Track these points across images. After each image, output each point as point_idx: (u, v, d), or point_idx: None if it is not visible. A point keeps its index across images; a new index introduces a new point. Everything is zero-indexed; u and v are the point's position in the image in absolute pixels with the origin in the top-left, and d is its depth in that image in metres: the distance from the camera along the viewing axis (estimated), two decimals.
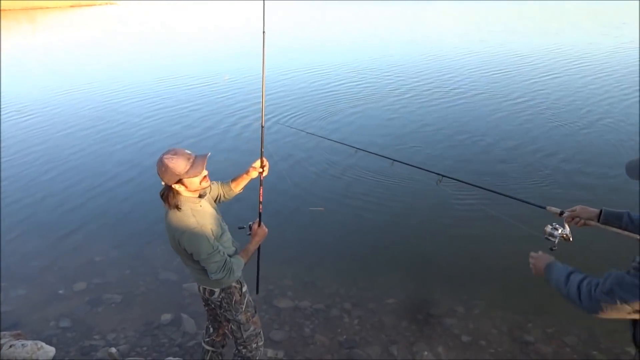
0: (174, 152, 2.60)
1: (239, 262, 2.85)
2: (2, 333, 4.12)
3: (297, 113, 10.52)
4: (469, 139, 8.65)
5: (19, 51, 25.69)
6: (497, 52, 17.33)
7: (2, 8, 67.65)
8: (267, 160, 3.14)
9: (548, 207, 2.79)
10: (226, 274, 2.74)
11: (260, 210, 3.20)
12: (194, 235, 2.62)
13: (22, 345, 3.62)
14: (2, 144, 9.51)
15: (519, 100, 11.06)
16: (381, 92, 12.03)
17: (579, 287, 2.04)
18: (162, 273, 5.23)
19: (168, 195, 2.65)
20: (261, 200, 3.22)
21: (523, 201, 2.98)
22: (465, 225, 5.66)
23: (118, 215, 6.56)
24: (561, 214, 2.68)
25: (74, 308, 4.70)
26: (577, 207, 2.63)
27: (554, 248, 2.52)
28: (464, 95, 11.63)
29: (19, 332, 4.19)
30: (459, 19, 27.50)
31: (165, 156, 2.59)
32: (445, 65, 15.44)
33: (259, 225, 3.06)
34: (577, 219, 2.60)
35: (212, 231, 2.70)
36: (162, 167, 2.58)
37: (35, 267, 5.39)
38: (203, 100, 12.22)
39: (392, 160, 3.94)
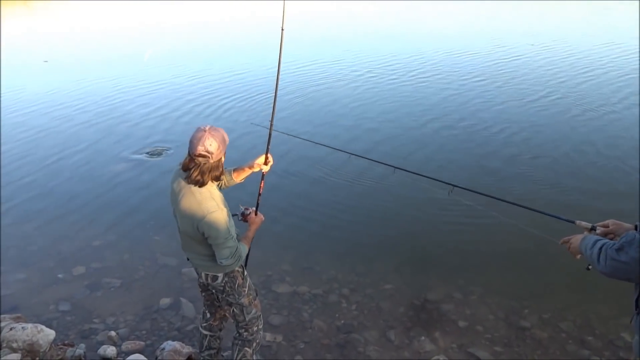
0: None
1: (244, 249, 2.90)
2: (2, 316, 4.14)
3: (291, 115, 9.71)
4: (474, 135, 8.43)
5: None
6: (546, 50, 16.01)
7: None
8: (272, 157, 3.16)
9: (578, 222, 2.52)
10: (235, 260, 2.77)
11: (259, 202, 3.24)
12: (216, 218, 2.62)
13: (22, 328, 3.64)
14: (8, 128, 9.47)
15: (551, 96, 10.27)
16: (388, 93, 11.18)
17: (600, 249, 2.07)
18: (161, 258, 5.25)
19: (209, 169, 2.63)
20: (260, 192, 3.26)
21: (552, 215, 2.74)
22: (462, 215, 5.63)
23: (117, 199, 6.57)
24: (592, 229, 2.45)
25: (73, 292, 4.73)
26: (609, 222, 2.41)
27: (589, 268, 2.28)
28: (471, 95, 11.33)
29: (19, 315, 4.21)
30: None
31: (218, 129, 2.62)
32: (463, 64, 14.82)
33: (256, 213, 3.09)
34: (611, 236, 2.35)
35: (228, 216, 2.72)
36: (220, 138, 2.60)
37: (34, 251, 5.41)
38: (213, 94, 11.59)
39: (394, 168, 3.89)
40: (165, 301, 4.58)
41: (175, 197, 2.75)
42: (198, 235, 2.71)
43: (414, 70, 12.94)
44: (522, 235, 4.37)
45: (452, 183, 3.30)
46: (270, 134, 3.17)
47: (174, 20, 27.56)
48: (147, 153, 8.00)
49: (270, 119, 3.22)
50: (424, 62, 13.82)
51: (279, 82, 3.21)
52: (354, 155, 4.35)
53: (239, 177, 3.13)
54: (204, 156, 2.59)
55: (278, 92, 3.29)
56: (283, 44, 3.13)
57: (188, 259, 3.04)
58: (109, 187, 6.94)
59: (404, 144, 8.05)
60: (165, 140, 8.54)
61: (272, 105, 3.28)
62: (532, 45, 15.36)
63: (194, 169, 2.62)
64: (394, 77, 12.33)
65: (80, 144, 8.59)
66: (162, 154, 7.96)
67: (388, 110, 9.73)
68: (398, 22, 23.53)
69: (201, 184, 2.65)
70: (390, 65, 13.58)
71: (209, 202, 2.65)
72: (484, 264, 5.01)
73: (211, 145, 2.58)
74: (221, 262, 2.75)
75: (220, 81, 12.51)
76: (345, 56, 15.09)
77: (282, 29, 3.13)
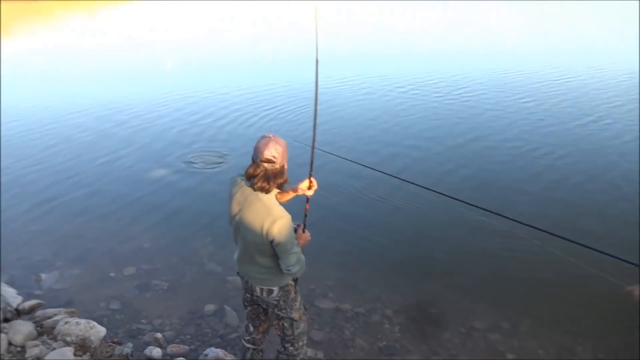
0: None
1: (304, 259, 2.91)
2: (58, 309, 4.33)
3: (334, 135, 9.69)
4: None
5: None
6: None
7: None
8: (316, 181, 3.14)
9: None
10: (300, 268, 2.80)
11: (305, 222, 3.24)
12: (285, 223, 2.66)
13: (77, 323, 3.79)
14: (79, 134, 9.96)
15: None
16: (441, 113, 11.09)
17: None
18: (207, 264, 5.35)
19: (274, 175, 2.69)
20: (306, 214, 3.25)
21: (613, 256, 2.50)
22: (507, 242, 5.43)
23: (169, 204, 6.74)
24: None
25: (123, 291, 4.88)
26: None
27: None
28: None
29: (73, 309, 4.38)
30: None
31: (278, 137, 2.70)
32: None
33: (304, 231, 3.10)
34: None
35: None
36: (283, 144, 2.70)
37: (90, 250, 5.63)
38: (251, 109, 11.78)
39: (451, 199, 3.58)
40: (209, 307, 4.65)
41: (239, 206, 2.78)
42: (264, 243, 2.72)
43: (459, 88, 12.82)
44: (570, 266, 4.19)
45: (496, 212, 3.11)
46: (312, 159, 3.14)
47: (225, 28, 28.32)
48: (194, 160, 8.19)
49: (312, 143, 3.15)
50: (471, 80, 13.68)
51: (318, 106, 3.16)
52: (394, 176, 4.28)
53: (283, 199, 3.13)
54: (270, 161, 2.65)
55: (319, 107, 3.22)
56: (318, 75, 3.10)
57: (238, 274, 3.07)
58: (159, 191, 7.15)
59: (443, 163, 7.95)
60: (211, 147, 8.73)
61: (313, 124, 3.16)
62: (589, 68, 14.88)
63: (260, 175, 2.67)
64: (438, 94, 12.25)
65: (131, 146, 8.96)
66: (211, 161, 8.14)
67: (431, 128, 9.69)
68: (446, 38, 23.29)
69: (267, 190, 2.70)
70: (435, 83, 13.51)
71: (278, 207, 2.70)
72: (532, 294, 4.84)
73: (277, 151, 2.65)
74: (288, 269, 2.76)
75: (264, 92, 12.74)
76: (390, 72, 15.09)
77: (317, 61, 3.09)
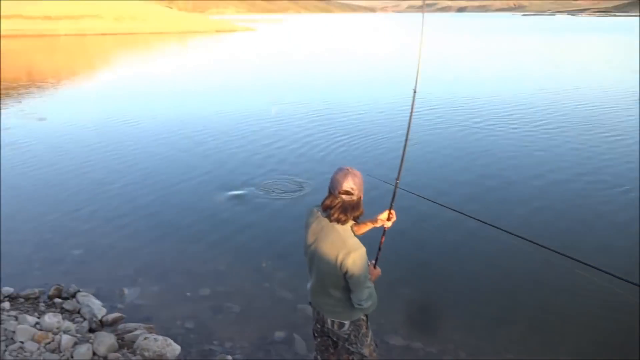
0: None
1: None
2: (138, 324, 4.54)
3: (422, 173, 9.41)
4: None
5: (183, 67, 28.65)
6: None
7: (160, 31, 76.34)
8: (395, 214, 3.12)
9: None
10: (372, 303, 2.78)
11: (378, 256, 3.21)
12: (360, 256, 2.66)
13: (155, 339, 3.95)
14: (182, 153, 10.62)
15: None
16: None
17: None
18: (279, 290, 5.41)
19: (352, 206, 2.71)
20: (380, 247, 3.22)
21: None
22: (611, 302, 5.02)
23: (245, 230, 6.90)
24: None
25: (198, 311, 5.03)
26: None
27: None
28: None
29: (151, 325, 4.58)
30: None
31: (355, 170, 2.74)
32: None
33: (375, 266, 3.07)
34: None
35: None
36: (360, 177, 2.73)
37: (169, 268, 5.89)
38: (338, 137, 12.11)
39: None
40: (279, 334, 4.68)
41: (314, 236, 2.80)
42: (338, 275, 2.71)
43: (538, 121, 12.43)
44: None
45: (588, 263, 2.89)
46: (395, 191, 3.12)
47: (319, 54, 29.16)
48: (273, 187, 8.39)
49: (397, 175, 3.13)
50: (550, 113, 13.28)
51: (409, 139, 3.13)
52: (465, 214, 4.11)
53: (359, 231, 3.11)
54: (348, 193, 2.66)
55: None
56: (414, 106, 3.10)
57: (310, 304, 3.08)
58: (236, 216, 7.37)
59: (526, 202, 7.63)
60: (288, 175, 8.92)
61: (400, 159, 3.12)
62: None
63: (337, 207, 2.69)
64: (514, 126, 11.91)
65: (206, 167, 9.40)
66: (288, 189, 8.30)
67: (506, 158, 9.51)
68: (525, 69, 22.55)
69: (344, 222, 2.71)
70: (511, 115, 13.21)
71: (353, 239, 2.70)
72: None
73: (354, 183, 2.66)
74: (360, 304, 2.74)
75: (344, 118, 12.98)
76: (464, 103, 14.87)
77: (415, 91, 3.10)
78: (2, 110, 15.92)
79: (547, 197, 7.82)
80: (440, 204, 4.04)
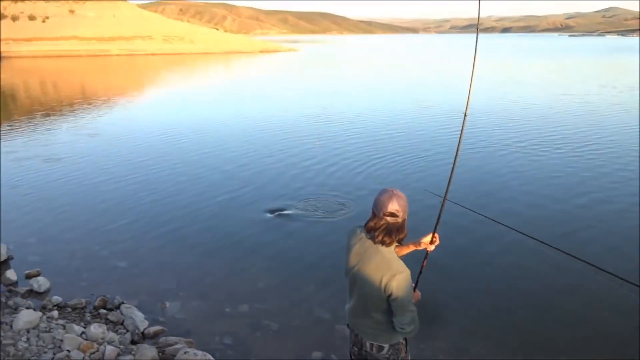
0: None
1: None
2: (178, 338, 4.62)
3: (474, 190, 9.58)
4: None
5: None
6: None
7: (207, 51, 78.77)
8: (439, 237, 3.08)
9: None
10: (414, 328, 2.74)
11: (419, 279, 3.18)
12: (405, 279, 2.64)
13: (194, 354, 4.00)
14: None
15: None
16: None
17: None
18: (317, 310, 5.39)
19: (396, 229, 2.69)
20: (422, 271, 3.19)
21: None
22: None
23: (285, 248, 6.95)
24: None
25: (236, 327, 5.06)
26: None
27: None
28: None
29: (190, 340, 4.64)
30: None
31: (399, 191, 2.71)
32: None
33: (415, 290, 3.03)
34: None
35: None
36: (405, 199, 2.70)
37: (209, 284, 5.97)
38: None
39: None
40: (316, 355, 4.64)
41: (357, 257, 2.78)
42: (381, 298, 2.69)
43: (584, 144, 12.04)
44: None
45: None
46: (440, 213, 3.09)
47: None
48: (314, 206, 8.40)
49: (443, 196, 3.12)
50: (598, 136, 12.80)
51: (457, 162, 3.12)
52: (514, 231, 4.01)
53: (400, 253, 3.08)
54: (393, 215, 2.64)
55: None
56: (464, 129, 3.10)
57: (348, 326, 3.05)
58: (277, 234, 7.41)
59: (562, 221, 7.36)
60: (335, 192, 8.94)
61: (447, 181, 3.14)
62: None
63: (382, 229, 2.67)
64: (559, 149, 11.63)
65: (250, 184, 9.49)
66: (330, 209, 8.31)
67: (549, 178, 9.19)
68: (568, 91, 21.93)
69: (388, 244, 2.69)
70: (555, 137, 12.89)
71: (398, 261, 2.68)
72: None
73: (399, 205, 2.64)
74: (402, 328, 2.71)
75: (381, 139, 12.91)
76: (508, 126, 14.62)
77: (465, 115, 3.09)
78: (58, 127, 16.77)
79: (589, 216, 7.53)
80: (481, 214, 3.95)
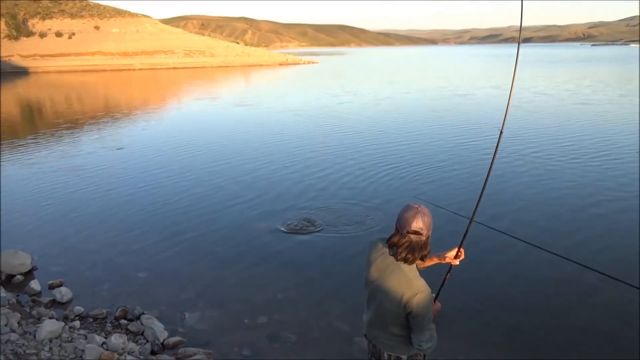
0: None
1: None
2: (197, 349, 4.63)
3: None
4: None
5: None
6: None
7: (227, 64, 79.86)
8: (464, 253, 3.05)
9: None
10: (432, 345, 2.71)
11: (440, 291, 3.15)
12: (426, 298, 2.62)
13: None
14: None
15: None
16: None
17: None
18: (335, 322, 5.35)
19: (420, 246, 2.66)
20: (443, 284, 3.16)
21: None
22: None
23: (304, 260, 6.93)
24: None
25: (255, 339, 5.05)
26: None
27: None
28: None
29: (209, 351, 4.65)
30: None
31: (424, 208, 2.68)
32: None
33: (435, 302, 3.00)
34: None
35: None
36: (429, 216, 2.66)
37: (228, 294, 5.98)
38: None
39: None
40: None
41: (378, 272, 2.77)
42: (400, 314, 2.67)
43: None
44: None
45: None
46: (468, 229, 3.06)
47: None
48: (336, 219, 8.36)
49: (471, 215, 3.07)
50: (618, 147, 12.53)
51: (488, 180, 3.06)
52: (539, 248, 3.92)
53: (423, 265, 3.06)
54: (417, 233, 2.62)
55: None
56: (499, 146, 3.07)
57: (366, 336, 3.02)
58: (295, 246, 7.40)
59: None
60: (357, 204, 8.91)
61: (477, 198, 3.08)
62: None
63: (405, 246, 2.65)
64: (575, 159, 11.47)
65: (270, 196, 9.49)
66: (352, 221, 8.26)
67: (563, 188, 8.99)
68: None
69: (411, 261, 2.67)
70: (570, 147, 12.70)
71: (420, 280, 2.65)
72: None
73: (424, 223, 2.62)
74: (420, 345, 2.68)
75: (404, 151, 12.86)
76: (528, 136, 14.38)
77: (501, 132, 3.05)
78: (79, 139, 17.13)
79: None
80: (492, 228, 3.89)
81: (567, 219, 8.07)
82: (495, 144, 3.08)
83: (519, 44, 3.31)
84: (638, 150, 12.44)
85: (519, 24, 3.22)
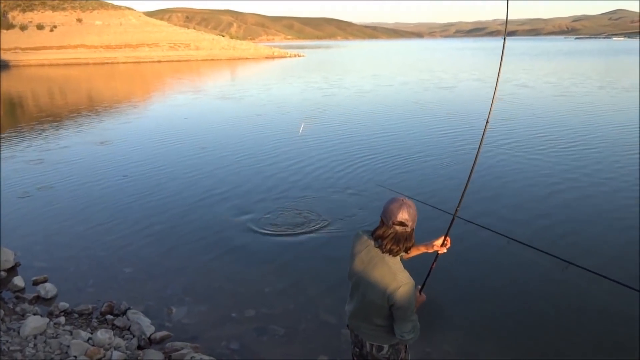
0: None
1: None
2: (184, 343, 4.62)
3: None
4: None
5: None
6: None
7: (212, 58, 79.23)
8: (451, 241, 3.08)
9: None
10: (414, 336, 2.74)
11: (426, 282, 3.17)
12: (409, 290, 2.64)
13: (201, 359, 3.99)
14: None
15: None
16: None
17: None
18: (322, 314, 5.37)
19: (405, 238, 2.67)
20: (429, 274, 3.18)
21: None
22: None
23: (292, 253, 6.93)
24: None
25: (242, 332, 5.06)
26: None
27: None
28: None
29: (197, 345, 4.64)
30: None
31: (409, 200, 2.69)
32: None
33: (420, 293, 3.03)
34: None
35: None
36: (414, 208, 2.68)
37: (216, 289, 5.97)
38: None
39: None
40: (322, 358, 4.62)
41: (362, 264, 2.78)
42: (383, 306, 2.70)
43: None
44: None
45: None
46: (453, 220, 3.10)
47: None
48: (318, 211, 8.39)
49: (456, 206, 3.13)
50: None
51: (474, 171, 3.12)
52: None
53: (408, 256, 3.07)
54: (402, 224, 2.64)
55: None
56: (484, 136, 3.11)
57: (348, 326, 3.05)
58: (281, 238, 7.41)
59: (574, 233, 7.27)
60: (344, 198, 8.94)
61: (462, 189, 3.13)
62: None
63: (389, 238, 2.66)
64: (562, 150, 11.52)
65: (259, 190, 9.46)
66: (338, 212, 8.29)
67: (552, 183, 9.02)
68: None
69: (395, 253, 2.69)
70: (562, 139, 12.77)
71: (403, 272, 2.67)
72: None
73: (409, 215, 2.64)
74: (402, 336, 2.71)
75: (390, 144, 12.91)
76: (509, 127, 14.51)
77: (487, 122, 3.10)
78: (62, 133, 16.89)
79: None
80: (485, 227, 3.94)
81: (558, 217, 8.15)
82: (481, 135, 3.12)
83: (504, 37, 3.37)
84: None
85: (505, 18, 3.26)
